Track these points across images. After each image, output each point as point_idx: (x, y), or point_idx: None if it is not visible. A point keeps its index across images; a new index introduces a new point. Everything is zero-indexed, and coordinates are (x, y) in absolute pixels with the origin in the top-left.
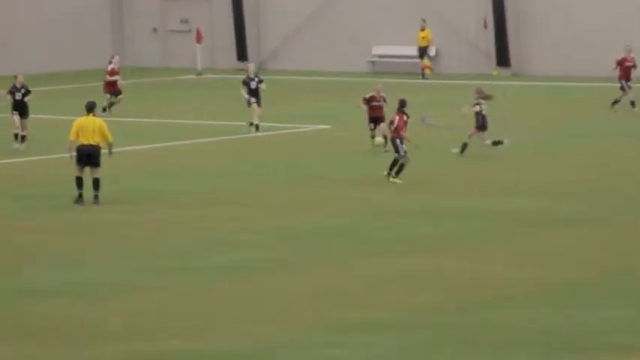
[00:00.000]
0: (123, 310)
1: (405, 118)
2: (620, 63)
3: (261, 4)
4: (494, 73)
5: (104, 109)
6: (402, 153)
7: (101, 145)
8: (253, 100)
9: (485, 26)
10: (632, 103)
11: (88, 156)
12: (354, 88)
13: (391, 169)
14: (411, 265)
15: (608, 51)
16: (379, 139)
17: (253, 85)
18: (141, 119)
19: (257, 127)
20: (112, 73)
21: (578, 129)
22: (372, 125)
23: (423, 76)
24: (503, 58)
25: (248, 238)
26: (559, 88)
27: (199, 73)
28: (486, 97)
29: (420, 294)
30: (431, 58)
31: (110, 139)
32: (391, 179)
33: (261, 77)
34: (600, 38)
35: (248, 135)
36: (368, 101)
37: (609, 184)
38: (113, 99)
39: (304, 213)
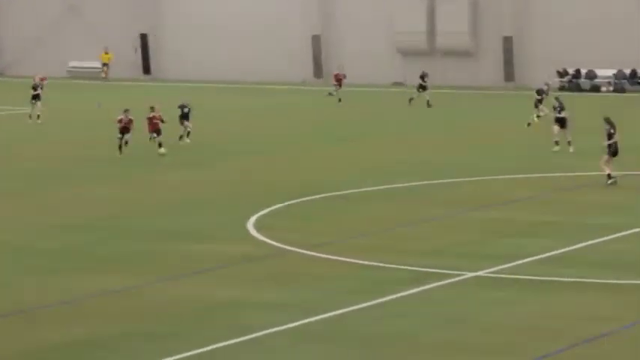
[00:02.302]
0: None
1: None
2: (336, 75)
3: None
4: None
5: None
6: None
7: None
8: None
9: (135, 51)
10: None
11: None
12: (60, 88)
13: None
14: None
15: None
16: (162, 151)
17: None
18: None
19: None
20: None
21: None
22: (154, 135)
23: (104, 80)
24: (147, 68)
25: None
26: (186, 88)
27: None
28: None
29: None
30: (108, 68)
31: None
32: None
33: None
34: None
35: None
36: (150, 119)
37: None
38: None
39: None
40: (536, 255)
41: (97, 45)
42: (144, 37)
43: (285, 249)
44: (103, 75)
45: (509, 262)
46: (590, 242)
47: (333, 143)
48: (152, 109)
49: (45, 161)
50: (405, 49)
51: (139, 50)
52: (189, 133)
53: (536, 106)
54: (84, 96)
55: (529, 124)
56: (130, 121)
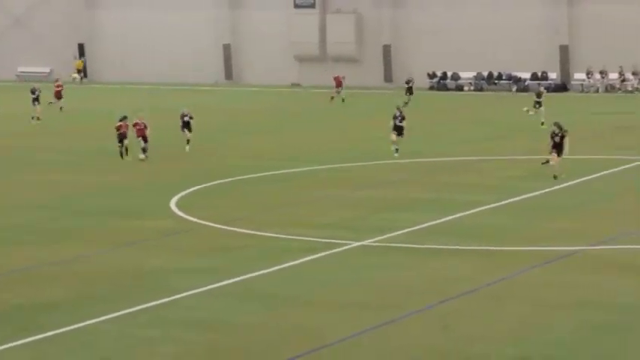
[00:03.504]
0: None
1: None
2: (336, 78)
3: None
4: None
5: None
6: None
7: None
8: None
9: (75, 58)
10: (342, 100)
11: None
12: (13, 90)
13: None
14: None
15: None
16: (142, 156)
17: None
18: None
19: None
20: None
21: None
22: (142, 141)
23: (79, 83)
24: (84, 72)
25: None
26: (118, 89)
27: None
28: None
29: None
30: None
31: None
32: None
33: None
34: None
35: None
36: (135, 125)
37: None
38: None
39: None
40: (411, 226)
41: (41, 53)
42: (81, 46)
43: (202, 224)
44: (77, 78)
45: (389, 233)
46: (454, 216)
47: (241, 135)
48: (140, 116)
49: (10, 151)
50: (300, 55)
51: (77, 57)
52: (188, 141)
53: (535, 106)
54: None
55: (527, 110)
56: (127, 126)
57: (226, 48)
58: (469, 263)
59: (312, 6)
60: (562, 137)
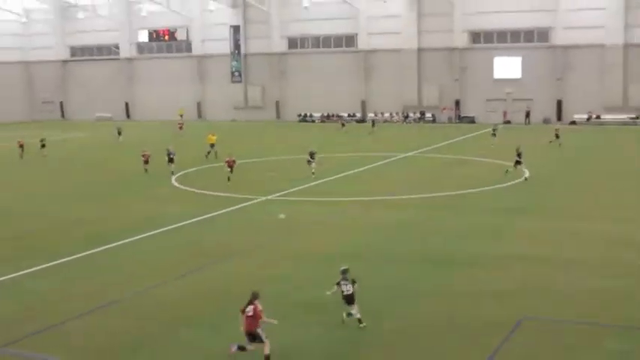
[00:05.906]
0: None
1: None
2: (372, 119)
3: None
4: (126, 120)
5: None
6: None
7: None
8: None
9: (125, 110)
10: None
11: None
12: (94, 126)
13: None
14: None
15: None
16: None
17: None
18: None
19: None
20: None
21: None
22: (230, 170)
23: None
24: (128, 115)
25: None
26: (147, 125)
27: None
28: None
29: None
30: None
31: None
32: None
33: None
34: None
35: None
36: (227, 161)
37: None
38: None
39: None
40: (295, 188)
41: (107, 106)
42: (127, 104)
43: (188, 190)
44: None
45: (283, 192)
46: (318, 182)
47: (208, 145)
48: (230, 155)
49: (68, 163)
50: (235, 105)
51: (124, 108)
52: (172, 172)
53: (557, 138)
54: (108, 129)
55: (550, 142)
56: (234, 161)
57: (199, 103)
58: (323, 208)
59: (240, 81)
60: (519, 155)
